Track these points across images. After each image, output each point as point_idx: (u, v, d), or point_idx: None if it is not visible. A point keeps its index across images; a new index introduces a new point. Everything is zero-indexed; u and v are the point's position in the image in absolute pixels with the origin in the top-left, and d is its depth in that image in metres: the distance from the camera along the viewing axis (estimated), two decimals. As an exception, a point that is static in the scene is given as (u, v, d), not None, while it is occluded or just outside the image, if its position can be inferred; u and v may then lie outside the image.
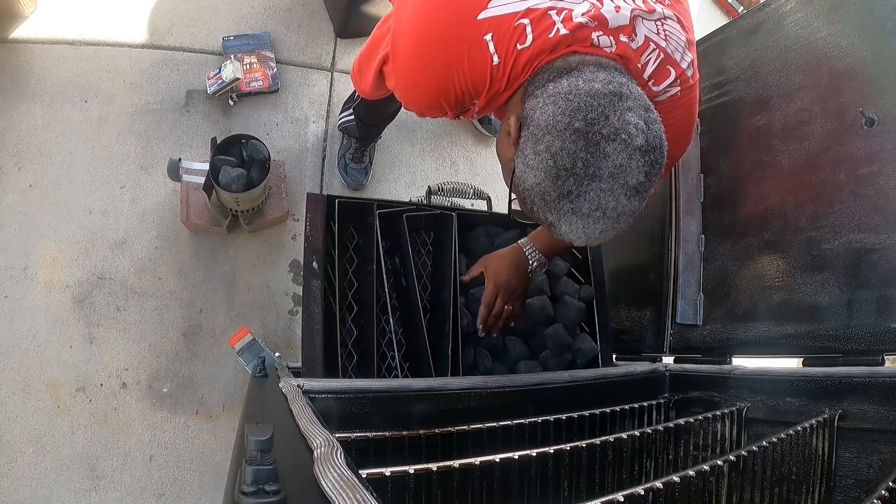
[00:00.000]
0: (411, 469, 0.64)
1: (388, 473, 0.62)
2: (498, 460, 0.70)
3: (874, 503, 0.59)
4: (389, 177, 1.85)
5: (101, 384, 1.49)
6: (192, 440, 1.52)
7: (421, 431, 0.80)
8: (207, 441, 1.53)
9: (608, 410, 0.99)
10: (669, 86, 0.78)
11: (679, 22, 0.77)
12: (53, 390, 1.46)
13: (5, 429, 1.42)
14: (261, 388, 0.86)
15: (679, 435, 0.98)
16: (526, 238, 1.18)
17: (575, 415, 0.94)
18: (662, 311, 1.32)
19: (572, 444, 0.77)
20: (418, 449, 0.80)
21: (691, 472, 0.65)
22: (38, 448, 1.42)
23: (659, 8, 0.75)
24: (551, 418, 0.91)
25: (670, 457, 0.98)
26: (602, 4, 0.72)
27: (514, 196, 0.76)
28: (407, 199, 1.75)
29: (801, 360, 1.04)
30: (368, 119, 1.54)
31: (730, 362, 1.15)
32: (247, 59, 1.72)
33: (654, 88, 0.78)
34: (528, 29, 0.71)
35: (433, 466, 0.66)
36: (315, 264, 1.05)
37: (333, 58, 1.86)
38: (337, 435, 0.60)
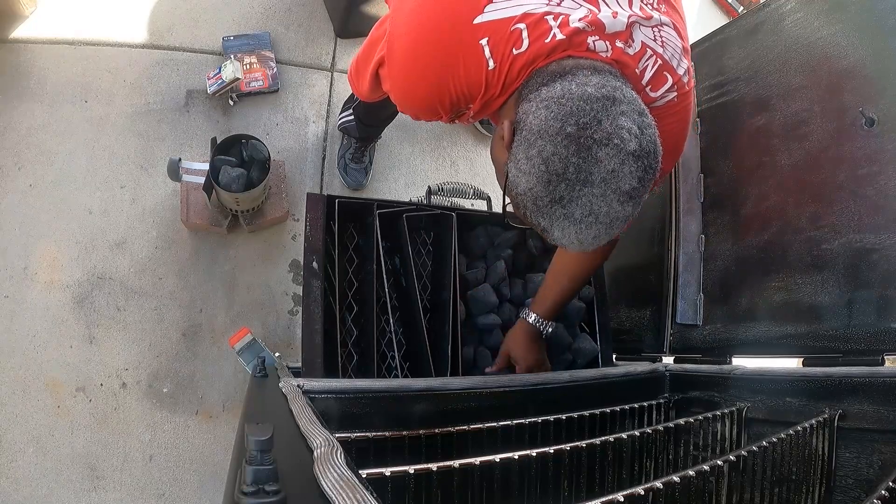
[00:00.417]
0: (411, 469, 0.64)
1: (388, 473, 0.62)
2: (498, 460, 0.70)
3: (874, 503, 0.59)
4: (389, 177, 1.85)
5: (101, 384, 1.49)
6: (192, 440, 1.52)
7: (421, 431, 0.80)
8: (207, 441, 1.53)
9: (608, 410, 0.99)
10: (666, 92, 0.78)
11: (675, 29, 0.77)
12: (53, 390, 1.46)
13: (5, 429, 1.42)
14: (261, 388, 0.86)
15: (679, 435, 0.98)
16: (528, 311, 1.14)
17: (575, 415, 0.94)
18: (662, 311, 1.32)
19: (572, 444, 0.77)
20: (418, 449, 0.80)
21: (691, 472, 0.65)
22: (38, 448, 1.42)
23: (656, 15, 0.75)
24: (551, 418, 0.91)
25: (670, 457, 0.98)
26: (599, 10, 0.72)
27: (508, 200, 0.75)
28: (407, 199, 1.75)
29: (801, 360, 1.04)
30: (368, 119, 1.54)
31: (730, 362, 1.15)
32: (247, 59, 1.72)
33: (652, 94, 0.77)
34: (525, 34, 0.71)
35: (433, 466, 0.66)
36: (315, 264, 1.05)
37: (333, 58, 1.86)
38: (337, 435, 0.60)
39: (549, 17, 0.71)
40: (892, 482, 0.63)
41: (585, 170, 0.63)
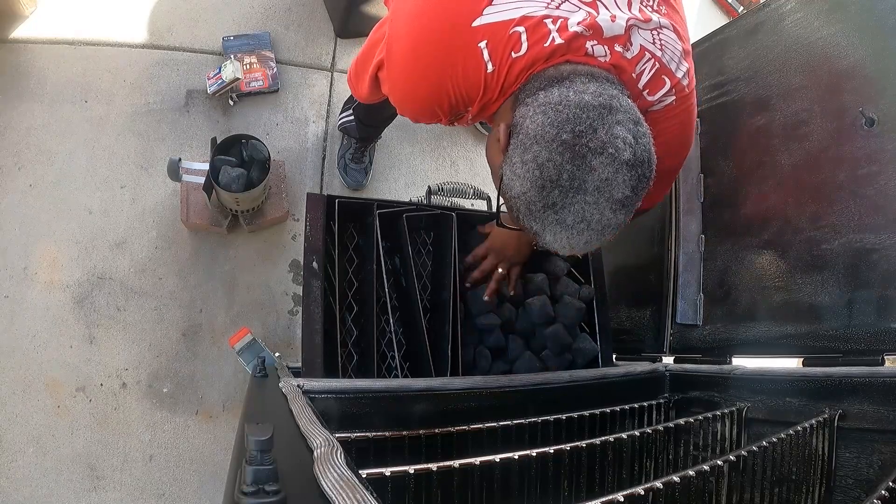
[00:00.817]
0: (411, 469, 0.64)
1: (388, 473, 0.62)
2: (498, 460, 0.70)
3: (874, 503, 0.59)
4: (389, 177, 1.85)
5: (101, 384, 1.49)
6: (192, 440, 1.52)
7: (421, 431, 0.80)
8: (207, 441, 1.53)
9: (608, 410, 0.99)
10: (664, 95, 0.78)
11: (675, 31, 0.77)
12: (53, 390, 1.46)
13: (5, 429, 1.42)
14: (261, 388, 0.86)
15: (679, 435, 0.98)
16: None
17: (575, 415, 0.94)
18: (662, 311, 1.32)
19: (572, 444, 0.77)
20: (418, 449, 0.80)
21: (691, 472, 0.65)
22: (38, 448, 1.42)
23: (655, 17, 0.75)
24: (551, 418, 0.91)
25: (670, 457, 0.98)
26: (598, 13, 0.72)
27: (501, 202, 0.75)
28: (407, 199, 1.75)
29: (801, 360, 1.04)
30: (368, 120, 1.54)
31: (730, 362, 1.15)
32: (247, 59, 1.72)
33: (649, 98, 0.77)
34: (524, 37, 0.71)
35: (433, 466, 0.66)
36: (315, 264, 1.05)
37: (333, 58, 1.86)
38: (337, 435, 0.60)
39: (548, 21, 0.71)
40: (892, 482, 0.63)
41: (579, 177, 0.64)
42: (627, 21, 0.72)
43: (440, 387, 0.93)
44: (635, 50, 0.73)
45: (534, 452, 0.73)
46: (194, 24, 1.75)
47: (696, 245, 1.30)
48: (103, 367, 1.50)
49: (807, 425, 0.84)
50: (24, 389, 1.44)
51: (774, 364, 1.09)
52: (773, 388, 0.99)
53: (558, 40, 0.70)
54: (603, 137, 0.63)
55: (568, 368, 1.25)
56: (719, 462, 0.70)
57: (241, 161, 1.44)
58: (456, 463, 0.68)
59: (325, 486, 0.44)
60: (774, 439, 0.79)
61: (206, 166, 1.38)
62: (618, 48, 0.72)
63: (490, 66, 0.72)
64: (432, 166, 1.91)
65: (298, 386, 0.80)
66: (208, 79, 1.65)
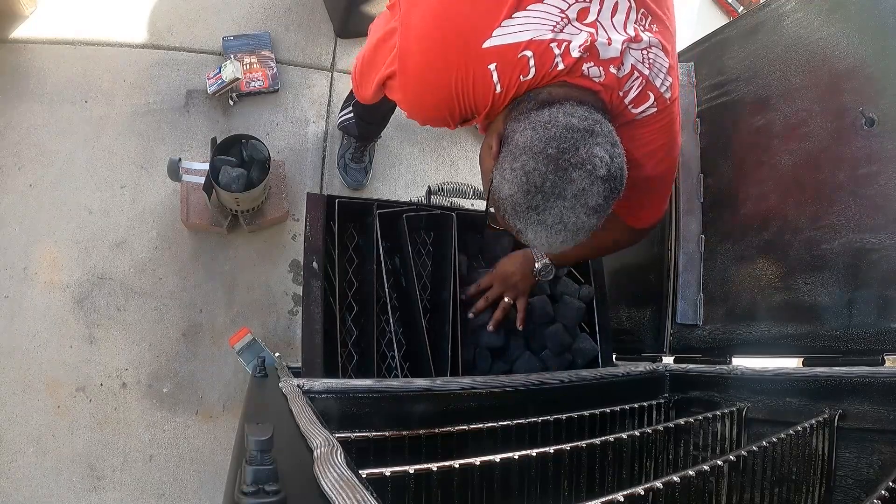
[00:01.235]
0: (411, 469, 0.64)
1: (388, 473, 0.62)
2: (498, 460, 0.70)
3: (874, 503, 0.59)
4: (389, 177, 1.85)
5: (101, 384, 1.49)
6: (192, 440, 1.52)
7: (421, 431, 0.80)
8: (207, 441, 1.53)
9: (608, 410, 0.99)
10: (648, 108, 0.84)
11: (663, 49, 0.81)
12: (53, 390, 1.46)
13: (5, 429, 1.42)
14: (261, 388, 0.86)
15: (679, 435, 0.98)
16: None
17: (575, 415, 0.94)
18: (662, 311, 1.32)
19: (572, 444, 0.77)
20: (418, 449, 0.80)
21: (691, 472, 0.65)
22: (38, 448, 1.42)
23: (646, 37, 0.79)
24: (551, 418, 0.91)
25: (670, 457, 0.98)
26: (597, 36, 0.76)
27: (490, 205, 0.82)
28: (407, 199, 1.75)
29: (801, 360, 1.04)
30: (368, 116, 1.54)
31: (730, 362, 1.15)
32: (247, 59, 1.72)
33: (634, 111, 0.83)
34: (531, 62, 0.75)
35: (433, 466, 0.66)
36: (315, 264, 1.05)
37: (333, 58, 1.86)
38: (337, 435, 0.60)
39: (554, 45, 0.75)
40: (892, 482, 0.63)
41: (560, 186, 0.72)
42: (622, 43, 0.77)
43: (440, 387, 0.93)
44: (626, 69, 0.79)
45: (534, 452, 0.73)
46: (194, 24, 1.75)
47: (696, 245, 1.30)
48: (103, 367, 1.50)
49: (807, 425, 0.84)
50: (24, 389, 1.44)
51: (774, 364, 1.09)
52: (773, 388, 0.99)
53: (561, 66, 0.76)
54: (583, 155, 0.72)
55: (568, 368, 1.25)
56: (719, 462, 0.70)
57: (241, 161, 1.44)
58: (456, 463, 0.68)
59: (325, 486, 0.44)
60: (774, 439, 0.79)
61: (206, 166, 1.38)
62: (612, 70, 0.78)
63: (499, 88, 0.78)
64: (432, 166, 1.91)
65: (298, 386, 0.80)
66: (208, 79, 1.65)
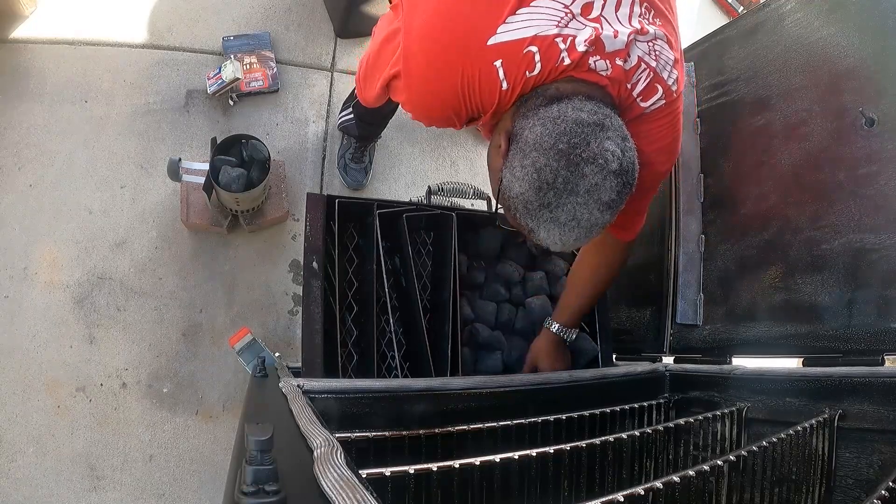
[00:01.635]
0: (411, 469, 0.64)
1: (388, 473, 0.62)
2: (498, 460, 0.70)
3: (874, 503, 0.59)
4: (389, 177, 1.85)
5: (101, 384, 1.49)
6: (192, 440, 1.52)
7: (421, 431, 0.80)
8: (207, 441, 1.53)
9: (608, 410, 0.99)
10: (657, 101, 0.83)
11: (668, 42, 0.81)
12: (53, 390, 1.46)
13: (5, 429, 1.42)
14: (261, 388, 0.86)
15: (679, 435, 0.98)
16: (551, 320, 1.19)
17: (575, 415, 0.94)
18: (662, 311, 1.32)
19: (572, 444, 0.77)
20: (418, 449, 0.80)
21: (691, 472, 0.65)
22: (38, 448, 1.42)
23: (651, 29, 0.79)
24: (551, 418, 0.91)
25: (670, 457, 0.98)
26: (602, 29, 0.75)
27: (500, 205, 0.81)
28: (407, 199, 1.75)
29: (801, 360, 1.04)
30: (368, 117, 1.54)
31: (730, 362, 1.15)
32: (247, 59, 1.72)
33: (643, 104, 0.82)
34: (537, 57, 0.75)
35: (433, 466, 0.66)
36: (315, 264, 1.05)
37: (333, 58, 1.86)
38: (337, 435, 0.60)
39: (559, 40, 0.74)
40: (892, 482, 0.63)
41: (572, 182, 0.71)
42: (628, 36, 0.76)
43: (440, 387, 0.93)
44: (633, 61, 0.78)
45: (534, 452, 0.73)
46: (194, 24, 1.75)
47: (696, 245, 1.30)
48: (103, 367, 1.50)
49: (807, 425, 0.84)
50: (24, 389, 1.44)
51: (774, 364, 1.09)
52: (773, 388, 0.99)
53: (567, 60, 0.75)
54: (595, 149, 0.71)
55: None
56: (719, 462, 0.70)
57: (241, 161, 1.44)
58: (456, 463, 0.68)
59: (325, 486, 0.44)
60: (774, 439, 0.79)
61: (206, 166, 1.38)
62: (618, 62, 0.77)
63: (505, 84, 0.77)
64: (432, 166, 1.91)
65: (298, 386, 0.80)
66: (208, 79, 1.65)
